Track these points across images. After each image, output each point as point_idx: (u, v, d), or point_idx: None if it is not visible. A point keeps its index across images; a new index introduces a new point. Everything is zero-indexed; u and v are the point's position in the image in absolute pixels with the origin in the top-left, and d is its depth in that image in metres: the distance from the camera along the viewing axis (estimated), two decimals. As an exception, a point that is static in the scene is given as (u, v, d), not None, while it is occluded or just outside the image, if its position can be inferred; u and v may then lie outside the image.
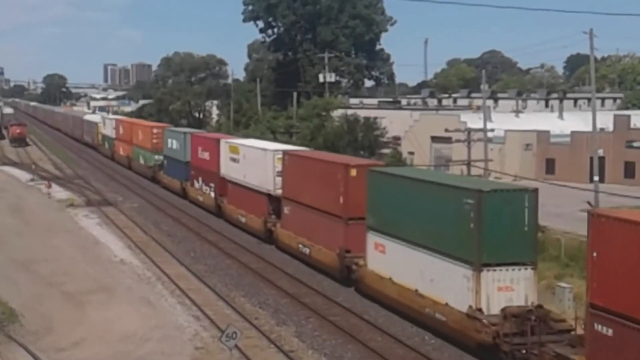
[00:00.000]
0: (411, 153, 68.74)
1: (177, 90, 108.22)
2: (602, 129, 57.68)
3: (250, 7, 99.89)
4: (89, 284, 27.54)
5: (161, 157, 53.75)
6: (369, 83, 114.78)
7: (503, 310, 19.65)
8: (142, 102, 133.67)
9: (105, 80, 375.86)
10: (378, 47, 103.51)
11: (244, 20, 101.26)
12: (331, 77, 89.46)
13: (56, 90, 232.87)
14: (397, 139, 71.50)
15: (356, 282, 26.61)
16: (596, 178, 42.77)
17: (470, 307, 20.15)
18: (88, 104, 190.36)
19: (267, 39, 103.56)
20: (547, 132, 66.12)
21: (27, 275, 29.10)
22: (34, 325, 22.87)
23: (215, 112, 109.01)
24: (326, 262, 28.53)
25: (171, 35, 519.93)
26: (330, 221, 28.05)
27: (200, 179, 44.56)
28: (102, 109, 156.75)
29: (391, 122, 70.22)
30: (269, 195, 34.27)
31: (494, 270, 20.15)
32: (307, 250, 30.15)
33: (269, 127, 73.40)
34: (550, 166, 64.04)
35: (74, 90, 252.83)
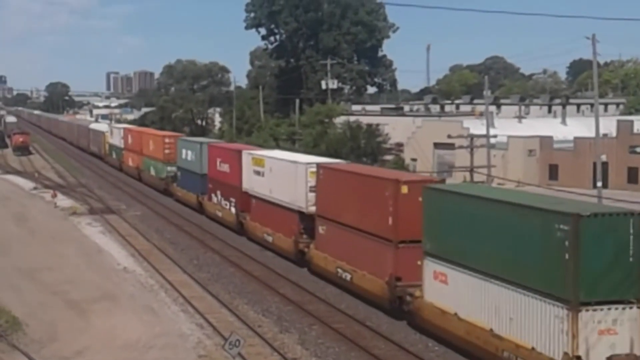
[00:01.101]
0: (414, 159, 68.77)
1: (180, 98, 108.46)
2: (605, 135, 57.67)
3: (252, 15, 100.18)
4: (92, 292, 27.55)
5: (174, 169, 50.95)
6: (371, 89, 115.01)
7: (609, 359, 16.84)
8: (144, 110, 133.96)
9: (108, 88, 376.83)
10: (380, 53, 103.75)
11: (246, 28, 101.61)
12: (333, 84, 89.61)
13: (59, 98, 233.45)
14: (399, 145, 71.54)
15: (410, 315, 23.30)
16: (599, 184, 42.74)
17: (565, 354, 16.95)
18: (91, 112, 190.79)
19: (270, 46, 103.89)
20: (550, 137, 66.10)
21: (31, 283, 29.12)
22: (37, 333, 22.88)
23: (217, 119, 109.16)
24: (372, 290, 25.13)
25: (174, 43, 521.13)
26: (377, 244, 24.69)
27: (218, 193, 41.46)
28: (104, 117, 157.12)
29: (394, 129, 70.33)
30: (301, 213, 30.92)
31: (594, 310, 16.95)
32: (347, 276, 26.80)
33: (272, 134, 73.50)
34: (553, 172, 64.01)
35: (76, 99, 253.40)
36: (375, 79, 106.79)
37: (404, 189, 23.94)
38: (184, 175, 48.26)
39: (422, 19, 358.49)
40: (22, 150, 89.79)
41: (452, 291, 20.71)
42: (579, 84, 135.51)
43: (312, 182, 29.84)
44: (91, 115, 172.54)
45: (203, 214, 43.80)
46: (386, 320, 24.41)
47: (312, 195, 29.93)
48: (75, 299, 26.81)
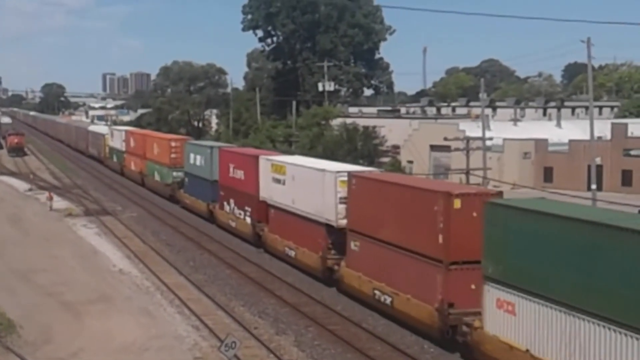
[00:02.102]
0: (410, 162, 68.87)
1: (176, 100, 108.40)
2: (599, 138, 57.84)
3: (249, 16, 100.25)
4: (87, 294, 27.51)
5: (180, 174, 48.23)
6: (368, 92, 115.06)
7: None
8: (140, 111, 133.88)
9: (104, 89, 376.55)
10: (377, 55, 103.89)
11: (243, 29, 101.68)
12: (330, 86, 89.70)
13: (54, 99, 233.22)
14: (396, 147, 71.65)
15: (467, 348, 20.44)
16: (594, 186, 42.87)
17: None
18: (86, 113, 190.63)
19: (267, 48, 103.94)
20: (545, 140, 66.28)
21: (26, 285, 29.06)
22: (32, 335, 22.83)
23: (214, 121, 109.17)
24: (419, 317, 22.30)
25: (171, 44, 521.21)
26: (424, 265, 21.93)
27: (232, 202, 38.55)
28: (100, 118, 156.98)
29: (390, 131, 70.40)
30: (329, 226, 28.01)
31: None
32: (387, 299, 24.00)
33: (268, 136, 73.52)
34: (548, 174, 64.16)
35: (72, 100, 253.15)
36: (372, 81, 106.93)
37: (457, 203, 21.02)
38: (192, 182, 45.57)
39: (418, 22, 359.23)
40: (17, 151, 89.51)
41: (522, 324, 17.72)
42: (574, 87, 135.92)
43: (342, 192, 26.99)
44: (87, 117, 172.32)
45: (214, 224, 41.24)
46: (383, 322, 24.40)
47: (342, 207, 27.03)
48: (70, 300, 26.76)
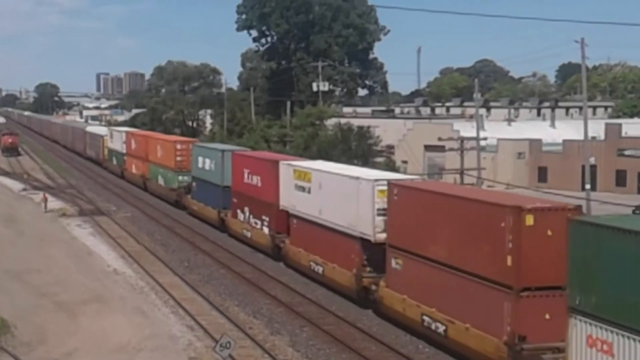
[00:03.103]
0: (405, 162, 68.94)
1: (171, 100, 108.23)
2: (593, 138, 57.99)
3: (243, 16, 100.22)
4: (82, 294, 27.47)
5: (187, 179, 45.81)
6: (362, 92, 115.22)
7: None
8: (135, 111, 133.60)
9: (98, 89, 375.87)
10: (371, 56, 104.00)
11: (238, 29, 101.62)
12: (324, 86, 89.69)
13: (48, 99, 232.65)
14: (390, 147, 71.72)
15: None
16: (588, 186, 43.00)
17: None
18: (81, 113, 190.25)
19: (261, 48, 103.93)
20: (539, 140, 66.46)
21: (20, 285, 29.00)
22: (26, 335, 22.78)
23: (209, 121, 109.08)
24: (482, 350, 19.35)
25: (165, 44, 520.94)
26: (488, 291, 19.10)
27: (246, 210, 35.94)
28: (94, 118, 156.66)
29: (385, 131, 70.51)
30: (364, 241, 25.24)
31: None
32: (439, 328, 21.17)
33: (263, 136, 73.47)
34: (542, 174, 64.33)
35: (66, 100, 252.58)
36: (366, 82, 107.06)
37: (529, 220, 18.13)
38: (201, 187, 42.81)
39: (413, 22, 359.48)
40: (11, 151, 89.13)
41: None
42: (568, 87, 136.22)
43: (380, 203, 24.34)
44: (81, 117, 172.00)
45: (225, 232, 38.76)
46: (377, 322, 24.43)
47: (380, 220, 24.34)
48: (64, 300, 26.71)
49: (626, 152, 61.42)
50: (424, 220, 22.06)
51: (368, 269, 25.32)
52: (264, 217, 33.89)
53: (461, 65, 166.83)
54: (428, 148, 67.78)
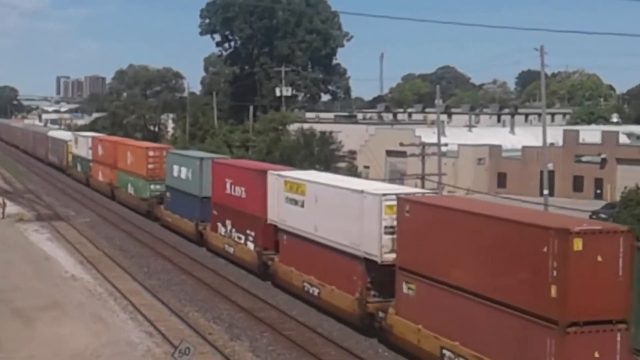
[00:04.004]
0: (367, 167, 69.25)
1: (132, 104, 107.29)
2: (552, 144, 58.94)
3: (207, 21, 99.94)
4: (39, 300, 27.06)
5: (159, 187, 43.38)
6: (325, 97, 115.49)
7: None
8: (95, 115, 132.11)
9: (58, 92, 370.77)
10: (334, 61, 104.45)
11: (201, 34, 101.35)
12: (287, 91, 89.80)
13: (7, 102, 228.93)
14: (352, 153, 72.00)
15: None
16: (546, 192, 43.62)
17: None
18: (40, 116, 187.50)
19: (224, 53, 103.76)
20: (499, 146, 67.30)
21: (-25, 291, 28.50)
22: (-19, 342, 22.40)
23: (170, 125, 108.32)
24: None
25: (127, 48, 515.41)
26: (526, 325, 16.64)
27: (228, 223, 33.54)
28: (54, 121, 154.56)
29: (347, 136, 70.71)
30: (369, 262, 22.87)
31: None
32: None
33: (225, 140, 73.17)
34: (501, 180, 65.14)
35: (25, 103, 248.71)
36: (329, 87, 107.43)
37: (578, 244, 15.88)
38: (176, 197, 40.23)
39: (375, 28, 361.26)
40: None
41: None
42: (528, 94, 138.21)
43: (388, 220, 22.04)
44: (40, 120, 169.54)
45: (204, 247, 36.47)
46: (338, 327, 24.48)
47: (387, 239, 22.07)
48: (20, 307, 26.29)
49: (583, 159, 62.50)
50: (443, 241, 19.40)
51: (373, 292, 22.95)
52: (248, 232, 31.42)
53: (423, 72, 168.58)
54: (390, 153, 68.22)
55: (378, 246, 22.28)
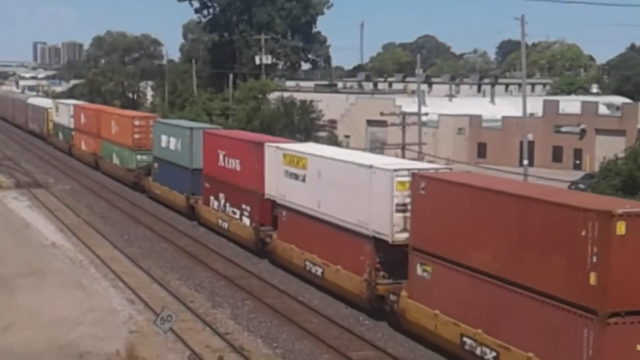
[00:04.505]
0: (347, 136, 69.26)
1: (110, 71, 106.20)
2: (532, 114, 59.18)
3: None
4: (19, 268, 26.96)
5: (146, 158, 42.37)
6: (305, 66, 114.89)
7: None
8: (73, 82, 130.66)
9: (35, 59, 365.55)
10: (314, 29, 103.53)
11: (179, 0, 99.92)
12: (267, 59, 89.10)
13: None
14: (333, 122, 71.90)
15: None
16: (525, 162, 43.86)
17: None
18: (17, 83, 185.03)
19: (203, 19, 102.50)
20: (479, 116, 67.51)
21: (-46, 259, 28.34)
22: (-39, 310, 22.34)
23: (149, 93, 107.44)
24: None
25: (104, 14, 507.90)
26: (561, 314, 15.56)
27: (221, 197, 32.21)
28: (31, 88, 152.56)
29: (327, 106, 70.52)
30: (378, 241, 21.69)
31: None
32: (487, 354, 17.49)
33: (205, 109, 72.72)
34: (482, 150, 65.47)
35: (1, 69, 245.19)
36: (309, 56, 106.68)
37: (620, 228, 14.72)
38: (164, 169, 39.03)
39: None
40: None
41: None
42: (508, 64, 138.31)
43: (400, 197, 20.90)
44: (17, 87, 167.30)
45: (194, 220, 35.31)
46: (318, 295, 24.66)
47: (399, 217, 20.92)
48: (0, 274, 26.20)
49: (563, 129, 62.92)
50: (464, 222, 18.16)
51: (382, 273, 21.77)
52: (244, 207, 30.12)
53: (404, 41, 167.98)
54: (370, 123, 68.22)
55: (389, 225, 21.06)
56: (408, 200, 20.62)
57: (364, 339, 20.81)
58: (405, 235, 20.77)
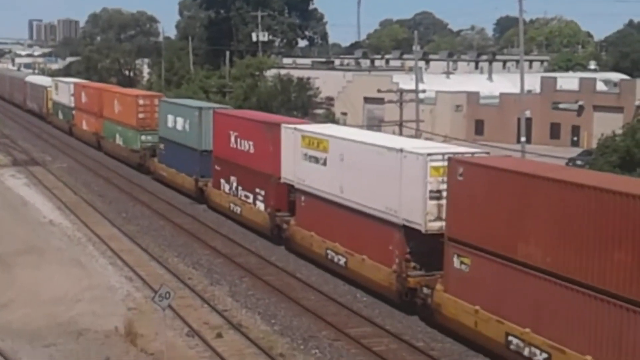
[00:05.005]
0: (344, 114, 69.13)
1: (106, 48, 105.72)
2: (529, 91, 59.11)
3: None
4: (17, 246, 26.99)
5: (151, 138, 41.00)
6: (302, 43, 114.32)
7: None
8: (69, 59, 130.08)
9: (31, 36, 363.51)
10: (311, 6, 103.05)
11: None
12: (264, 36, 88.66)
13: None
14: (330, 99, 71.73)
15: None
16: (523, 139, 43.90)
17: None
18: (13, 60, 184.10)
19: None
20: (477, 93, 67.38)
21: (-48, 237, 28.35)
22: (-40, 288, 22.39)
23: (146, 70, 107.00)
24: None
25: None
26: (622, 314, 14.40)
27: (233, 180, 31.00)
28: (27, 66, 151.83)
29: (324, 83, 70.33)
30: (409, 230, 20.47)
31: None
32: (536, 355, 16.24)
33: (202, 86, 72.50)
34: (479, 127, 65.42)
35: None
36: (306, 32, 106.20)
37: None
38: (171, 150, 37.62)
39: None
40: None
41: None
42: (506, 40, 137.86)
43: (434, 183, 19.68)
44: (13, 64, 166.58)
45: (203, 204, 34.12)
46: (316, 272, 24.74)
47: (433, 205, 19.68)
48: (-1, 252, 26.26)
49: (561, 106, 62.80)
50: (509, 211, 16.82)
51: (413, 264, 20.50)
52: (257, 191, 28.87)
53: (401, 17, 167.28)
54: (367, 100, 68.03)
55: (421, 213, 19.79)
56: (442, 186, 19.37)
57: (362, 316, 20.91)
58: (439, 224, 19.49)
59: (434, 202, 19.68)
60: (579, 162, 42.33)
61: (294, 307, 21.57)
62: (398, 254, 20.70)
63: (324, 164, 24.34)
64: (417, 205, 19.98)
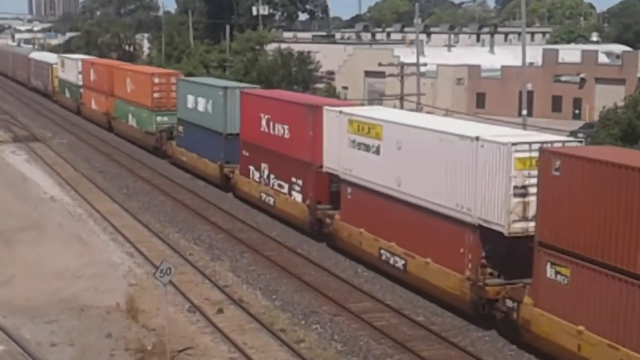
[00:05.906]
0: (345, 88, 68.92)
1: (106, 22, 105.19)
2: (531, 64, 58.78)
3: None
4: (18, 222, 27.04)
5: (167, 119, 38.69)
6: (302, 16, 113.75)
7: None
8: (69, 34, 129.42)
9: (30, 11, 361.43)
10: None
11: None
12: (264, 10, 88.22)
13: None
14: (331, 73, 71.47)
15: None
16: (524, 112, 43.66)
17: None
18: (12, 36, 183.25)
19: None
20: (478, 66, 67.08)
21: (-47, 214, 28.40)
22: (-38, 264, 22.45)
23: (146, 45, 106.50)
24: None
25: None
26: None
27: (264, 168, 28.32)
28: (27, 41, 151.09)
29: (325, 57, 70.02)
30: (485, 231, 17.87)
31: None
32: None
33: (202, 60, 72.20)
34: (480, 100, 65.22)
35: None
36: (307, 6, 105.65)
37: None
38: (191, 133, 35.09)
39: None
40: None
41: None
42: (507, 12, 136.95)
43: (519, 178, 17.07)
44: (13, 40, 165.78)
45: (229, 192, 31.70)
46: (317, 247, 24.76)
47: (517, 203, 17.09)
48: (0, 229, 26.28)
49: (562, 78, 62.54)
50: (626, 215, 14.16)
51: (490, 271, 17.84)
52: (294, 180, 26.19)
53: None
54: (368, 74, 67.78)
55: (504, 212, 17.12)
56: (530, 181, 16.79)
57: (363, 291, 20.94)
58: (524, 225, 16.93)
59: (519, 199, 17.02)
60: (580, 135, 42.19)
61: (295, 282, 21.60)
62: (472, 258, 17.99)
63: (377, 152, 21.61)
64: (497, 203, 17.32)
